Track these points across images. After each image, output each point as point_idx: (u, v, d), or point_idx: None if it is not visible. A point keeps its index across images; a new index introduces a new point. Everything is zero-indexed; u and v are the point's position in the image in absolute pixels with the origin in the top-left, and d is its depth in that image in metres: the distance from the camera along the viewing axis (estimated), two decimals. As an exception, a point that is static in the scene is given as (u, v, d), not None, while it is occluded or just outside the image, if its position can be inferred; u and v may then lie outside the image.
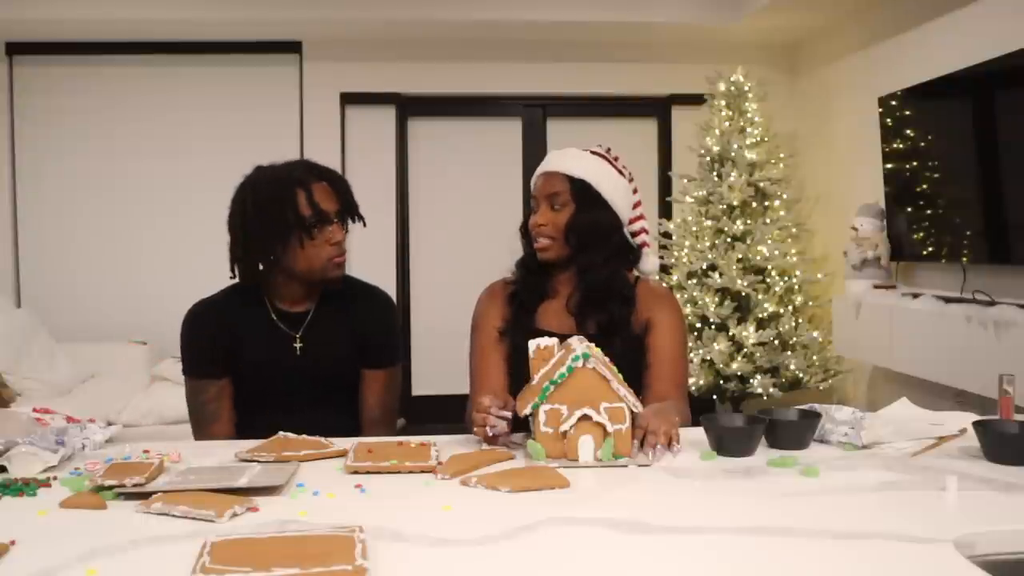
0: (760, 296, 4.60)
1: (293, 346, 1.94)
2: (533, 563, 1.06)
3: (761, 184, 4.72)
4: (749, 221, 4.68)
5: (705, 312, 4.60)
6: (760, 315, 4.60)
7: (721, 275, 4.58)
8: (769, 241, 4.63)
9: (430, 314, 5.46)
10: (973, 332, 3.28)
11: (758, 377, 4.54)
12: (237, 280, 1.95)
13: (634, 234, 1.94)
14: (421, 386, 5.45)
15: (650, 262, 1.97)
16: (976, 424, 1.56)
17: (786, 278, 4.69)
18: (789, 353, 4.57)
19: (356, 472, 1.45)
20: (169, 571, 1.02)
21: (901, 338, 3.80)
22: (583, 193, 1.86)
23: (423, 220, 5.55)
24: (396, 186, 5.40)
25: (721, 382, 4.60)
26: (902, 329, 3.78)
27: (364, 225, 1.97)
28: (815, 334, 4.64)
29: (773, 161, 4.81)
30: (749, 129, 4.76)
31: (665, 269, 4.98)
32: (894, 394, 2.79)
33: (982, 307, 3.28)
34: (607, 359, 1.57)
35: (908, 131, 4.02)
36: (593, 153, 1.92)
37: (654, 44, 5.34)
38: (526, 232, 1.94)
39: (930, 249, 3.90)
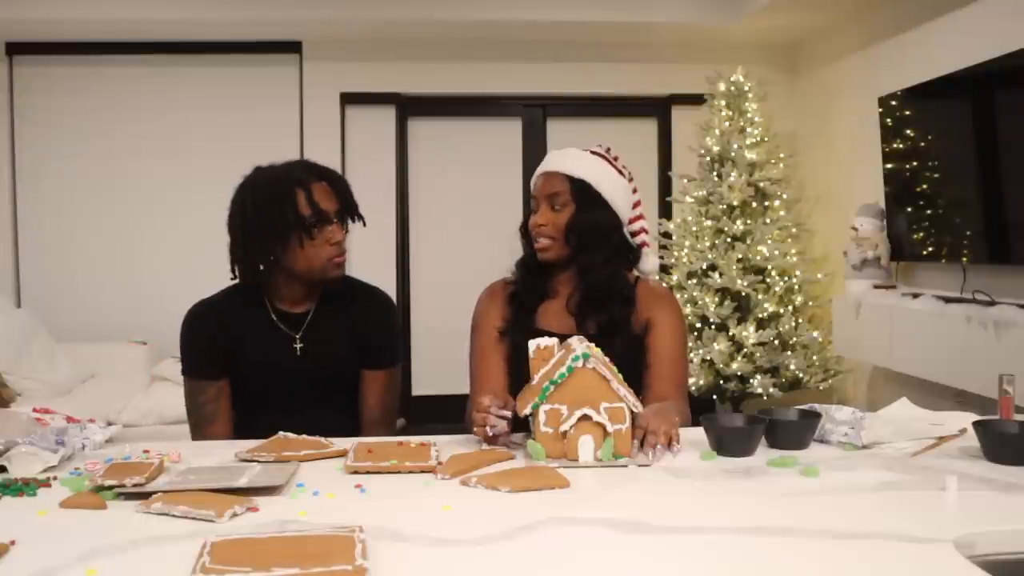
0: (760, 296, 4.60)
1: (293, 347, 1.94)
2: (533, 563, 1.06)
3: (761, 184, 4.72)
4: (749, 221, 4.68)
5: (705, 312, 4.60)
6: (760, 315, 4.60)
7: (721, 275, 4.59)
8: (769, 241, 4.63)
9: (430, 314, 5.46)
10: (973, 332, 3.28)
11: (758, 377, 4.54)
12: (237, 280, 1.95)
13: (634, 234, 1.94)
14: (421, 386, 5.45)
15: (650, 262, 1.97)
16: (976, 424, 1.56)
17: (786, 278, 4.69)
18: (789, 353, 4.57)
19: (356, 472, 1.45)
20: (169, 571, 1.02)
21: (901, 338, 3.80)
22: (583, 193, 1.86)
23: (423, 220, 5.55)
24: (396, 186, 5.40)
25: (721, 382, 4.60)
26: (902, 329, 3.78)
27: (364, 225, 1.97)
28: (815, 334, 4.64)
29: (773, 161, 4.81)
30: (749, 129, 4.76)
31: (665, 269, 4.98)
32: (894, 394, 2.79)
33: (982, 307, 3.28)
34: (607, 359, 1.57)
35: (908, 131, 4.02)
36: (593, 153, 1.92)
37: (654, 44, 5.34)
38: (526, 232, 1.94)
39: (930, 249, 3.90)
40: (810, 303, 4.81)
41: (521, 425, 1.64)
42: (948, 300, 3.54)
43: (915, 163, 3.98)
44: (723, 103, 4.82)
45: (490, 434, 1.58)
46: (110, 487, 1.32)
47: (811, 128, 5.30)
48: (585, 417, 1.49)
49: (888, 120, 4.14)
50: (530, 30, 5.13)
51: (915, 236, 3.99)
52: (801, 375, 4.57)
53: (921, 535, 1.12)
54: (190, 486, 1.31)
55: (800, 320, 4.70)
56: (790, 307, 4.68)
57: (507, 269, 1.99)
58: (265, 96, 5.34)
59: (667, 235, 4.98)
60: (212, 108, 5.32)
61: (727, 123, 4.78)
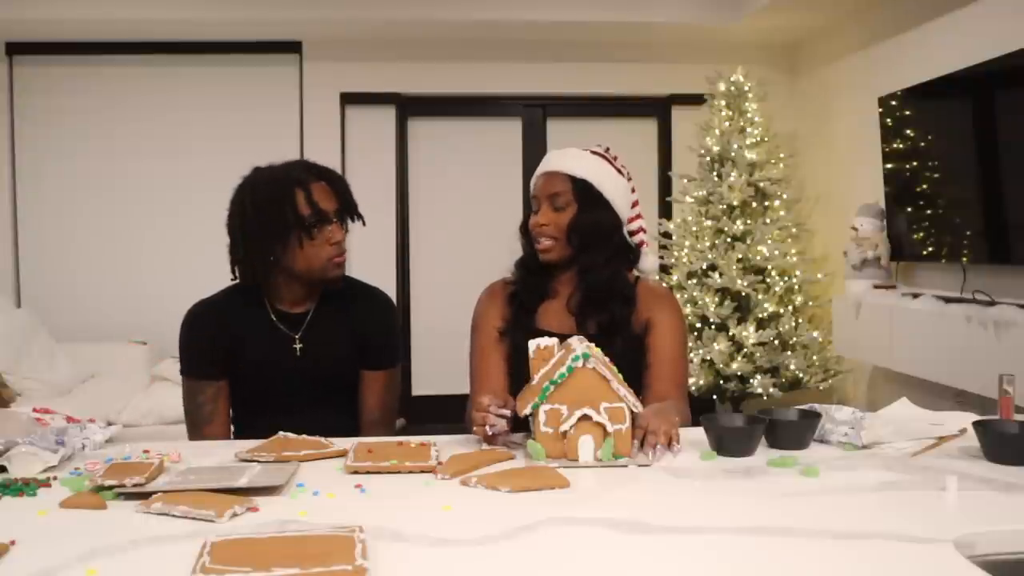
0: (760, 296, 4.60)
1: (293, 347, 1.94)
2: (533, 563, 1.06)
3: (761, 184, 4.72)
4: (749, 221, 4.68)
5: (705, 312, 4.60)
6: (760, 315, 4.60)
7: (721, 275, 4.59)
8: (769, 241, 4.63)
9: (430, 314, 5.46)
10: (973, 332, 3.28)
11: (758, 377, 4.54)
12: (237, 281, 1.95)
13: (632, 233, 1.94)
14: (421, 386, 5.45)
15: (649, 261, 1.97)
16: (976, 424, 1.56)
17: (786, 278, 4.69)
18: (789, 353, 4.57)
19: (356, 472, 1.45)
20: (169, 571, 1.02)
21: (901, 338, 3.80)
22: (585, 193, 1.86)
23: (423, 220, 5.55)
24: (396, 186, 5.40)
25: (721, 382, 4.60)
26: (902, 329, 3.78)
27: (364, 224, 1.97)
28: (815, 334, 4.64)
29: (773, 161, 4.81)
30: (749, 129, 4.76)
31: (665, 269, 4.98)
32: (894, 394, 2.79)
33: (982, 307, 3.28)
34: (607, 359, 1.57)
35: (908, 131, 4.02)
36: (593, 153, 1.92)
37: (654, 44, 5.34)
38: (526, 232, 1.94)
39: (930, 249, 3.90)
40: (810, 303, 4.81)
41: (521, 425, 1.64)
42: (948, 300, 3.54)
43: (915, 163, 3.98)
44: (723, 103, 4.82)
45: (489, 433, 1.58)
46: (110, 487, 1.32)
47: (811, 128, 5.30)
48: (585, 417, 1.49)
49: (888, 120, 4.14)
50: (530, 30, 5.13)
51: (915, 236, 3.99)
52: (801, 375, 4.57)
53: (921, 535, 1.12)
54: (190, 486, 1.31)
55: (800, 320, 4.70)
56: (790, 307, 4.68)
57: (507, 269, 1.98)
58: (265, 96, 5.34)
59: (667, 235, 4.98)
60: (212, 108, 5.32)
61: (727, 123, 4.78)
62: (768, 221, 4.70)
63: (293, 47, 5.30)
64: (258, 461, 1.52)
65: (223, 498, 1.26)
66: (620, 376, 1.56)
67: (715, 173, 4.76)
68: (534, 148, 5.42)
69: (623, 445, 1.50)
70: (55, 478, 1.42)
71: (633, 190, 1.94)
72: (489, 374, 1.88)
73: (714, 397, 4.69)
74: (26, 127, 5.23)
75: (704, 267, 4.68)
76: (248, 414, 1.97)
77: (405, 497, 1.33)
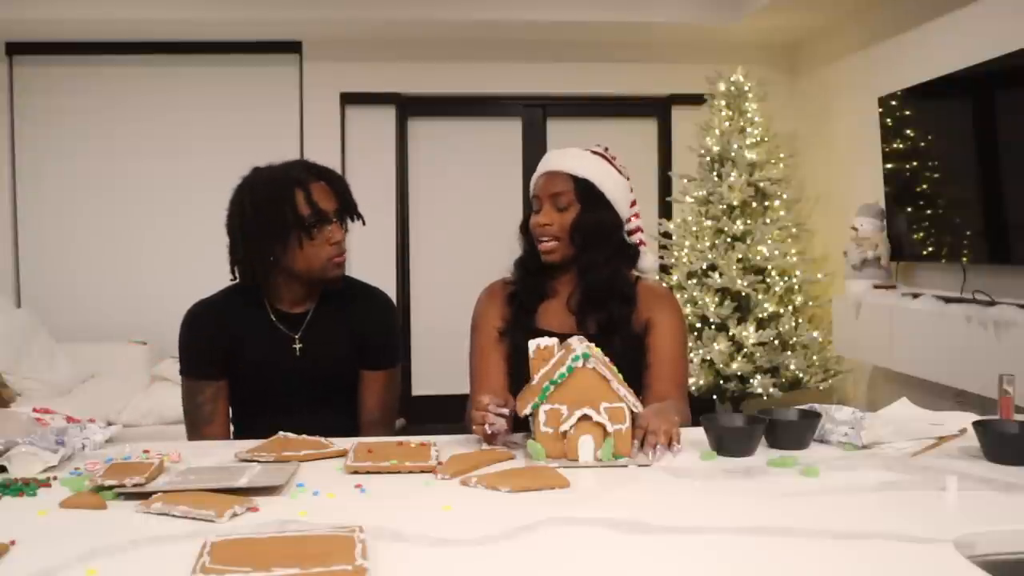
0: (760, 296, 4.60)
1: (292, 347, 1.94)
2: (533, 563, 1.06)
3: (761, 184, 4.72)
4: (749, 221, 4.68)
5: (705, 312, 4.60)
6: (760, 315, 4.60)
7: (721, 275, 4.59)
8: (769, 241, 4.63)
9: (430, 314, 5.46)
10: (973, 332, 3.28)
11: (758, 377, 4.54)
12: (237, 281, 1.95)
13: (630, 232, 1.95)
14: (421, 386, 5.45)
15: (648, 260, 1.97)
16: (976, 424, 1.56)
17: (786, 278, 4.69)
18: (789, 353, 4.57)
19: (356, 472, 1.45)
20: (169, 571, 1.02)
21: (901, 338, 3.80)
22: (587, 193, 1.86)
23: (423, 220, 5.55)
24: (396, 186, 5.40)
25: (721, 382, 4.60)
26: (902, 329, 3.78)
27: (363, 224, 1.97)
28: (815, 334, 4.64)
29: (773, 161, 4.81)
30: (749, 129, 4.76)
31: (665, 269, 4.98)
32: (894, 394, 2.79)
33: (982, 307, 3.28)
34: (607, 359, 1.57)
35: (908, 131, 4.02)
36: (593, 153, 1.92)
37: (654, 44, 5.34)
38: (526, 231, 1.94)
39: (930, 249, 3.90)
40: (810, 303, 4.81)
41: (521, 425, 1.64)
42: (948, 300, 3.54)
43: (915, 163, 3.98)
44: (723, 103, 4.82)
45: (488, 432, 1.58)
46: (110, 487, 1.32)
47: (811, 128, 5.30)
48: (585, 417, 1.49)
49: (888, 120, 4.14)
50: (530, 30, 5.13)
51: (915, 236, 3.99)
52: (801, 375, 4.57)
53: (921, 535, 1.12)
54: (190, 486, 1.31)
55: (800, 320, 4.70)
56: (790, 307, 4.68)
57: (507, 269, 1.98)
58: (265, 96, 5.34)
59: (667, 235, 4.97)
60: (212, 108, 5.32)
61: (727, 123, 4.78)
62: (768, 221, 4.70)
63: (293, 47, 5.30)
64: (258, 461, 1.52)
65: (223, 498, 1.26)
66: (620, 376, 1.56)
67: (715, 173, 4.76)
68: (534, 148, 5.42)
69: (623, 445, 1.50)
70: (55, 478, 1.42)
71: (631, 190, 1.94)
72: (489, 374, 1.88)
73: (714, 397, 4.69)
74: (26, 127, 5.23)
75: (704, 267, 4.68)
76: (248, 414, 1.97)
77: (405, 497, 1.33)
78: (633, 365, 1.81)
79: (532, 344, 1.65)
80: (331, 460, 1.55)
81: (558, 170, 1.88)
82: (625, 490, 1.37)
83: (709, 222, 4.72)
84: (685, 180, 4.93)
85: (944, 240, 3.79)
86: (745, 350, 4.54)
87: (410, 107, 5.47)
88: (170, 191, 5.27)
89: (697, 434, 1.61)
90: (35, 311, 4.95)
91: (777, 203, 4.77)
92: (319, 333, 1.95)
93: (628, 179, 1.94)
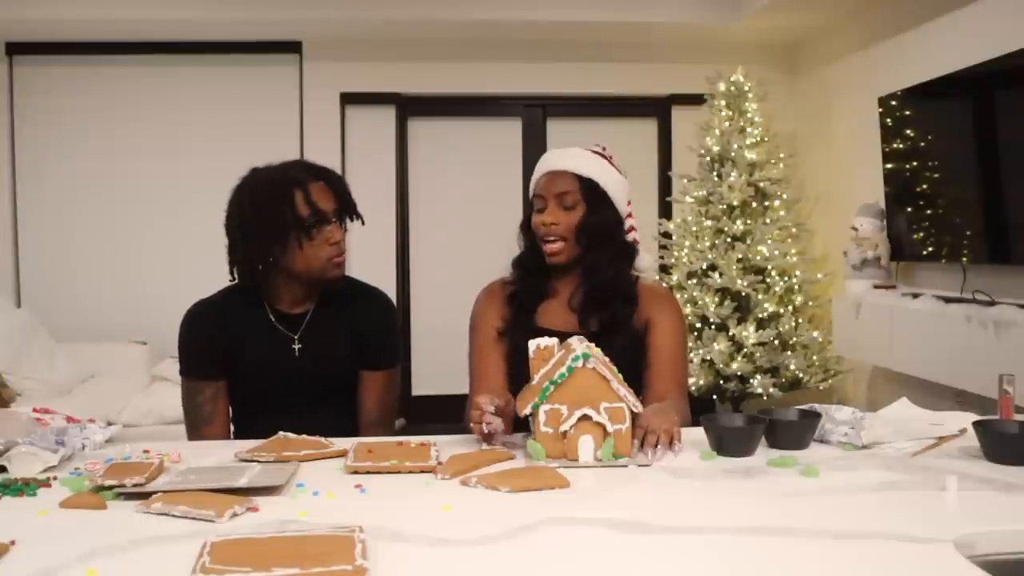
0: (760, 296, 4.60)
1: (292, 347, 1.93)
2: (533, 563, 1.06)
3: (761, 184, 4.72)
4: (749, 221, 4.68)
5: (705, 312, 4.60)
6: (760, 315, 4.60)
7: (721, 275, 4.59)
8: (769, 241, 4.63)
9: (430, 314, 5.46)
10: (973, 332, 3.28)
11: (758, 377, 4.54)
12: (236, 281, 1.95)
13: (627, 231, 1.95)
14: (421, 386, 5.45)
15: (646, 259, 1.98)
16: (976, 424, 1.56)
17: (786, 278, 4.69)
18: (789, 353, 4.57)
19: (356, 472, 1.45)
20: (169, 571, 1.02)
21: (901, 338, 3.80)
22: (592, 193, 1.86)
23: (423, 220, 5.55)
24: (396, 186, 5.40)
25: (721, 382, 4.60)
26: (902, 329, 3.78)
27: (363, 223, 1.97)
28: (815, 334, 4.64)
29: (773, 161, 4.81)
30: (749, 129, 4.76)
31: (665, 269, 4.98)
32: (894, 394, 2.79)
33: (982, 307, 3.28)
34: (607, 359, 1.57)
35: (908, 131, 4.02)
36: (593, 152, 1.92)
37: (654, 44, 5.34)
38: (527, 230, 1.94)
39: (930, 249, 3.90)
40: (810, 303, 4.81)
41: (521, 425, 1.64)
42: (948, 300, 3.54)
43: (915, 163, 3.98)
44: (723, 103, 4.82)
45: (485, 431, 1.58)
46: (110, 487, 1.32)
47: (811, 128, 5.30)
48: (585, 417, 1.49)
49: (888, 120, 4.14)
50: (530, 30, 5.13)
51: (915, 236, 3.99)
52: (801, 375, 4.57)
53: (921, 535, 1.12)
54: (190, 486, 1.31)
55: (800, 320, 4.70)
56: (790, 307, 4.68)
57: (507, 269, 1.98)
58: (265, 96, 5.34)
59: (667, 235, 4.97)
60: (212, 108, 5.32)
61: (727, 123, 4.78)
62: (768, 221, 4.70)
63: (293, 47, 5.30)
64: (258, 461, 1.52)
65: (223, 498, 1.26)
66: (620, 376, 1.56)
67: (715, 173, 4.76)
68: (534, 148, 5.41)
69: (623, 445, 1.50)
70: (55, 478, 1.42)
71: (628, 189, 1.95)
72: (488, 374, 1.88)
73: (714, 397, 4.69)
74: (26, 127, 5.23)
75: (704, 267, 4.68)
76: (247, 415, 1.97)
77: (405, 497, 1.33)
78: (633, 364, 1.81)
79: (532, 344, 1.65)
80: (331, 460, 1.55)
81: (563, 169, 1.88)
82: (625, 490, 1.37)
83: (709, 222, 4.72)
84: (685, 180, 4.93)
85: (944, 240, 3.79)
86: (745, 350, 4.54)
87: (410, 107, 5.47)
88: (170, 191, 5.27)
89: (697, 434, 1.61)
90: (35, 311, 4.95)
91: (777, 203, 4.77)
92: (318, 333, 1.95)
93: (626, 178, 1.94)
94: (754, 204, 4.72)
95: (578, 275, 1.90)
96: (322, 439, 1.63)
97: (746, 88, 4.80)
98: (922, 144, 3.95)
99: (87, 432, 1.64)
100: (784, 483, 1.38)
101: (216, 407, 1.93)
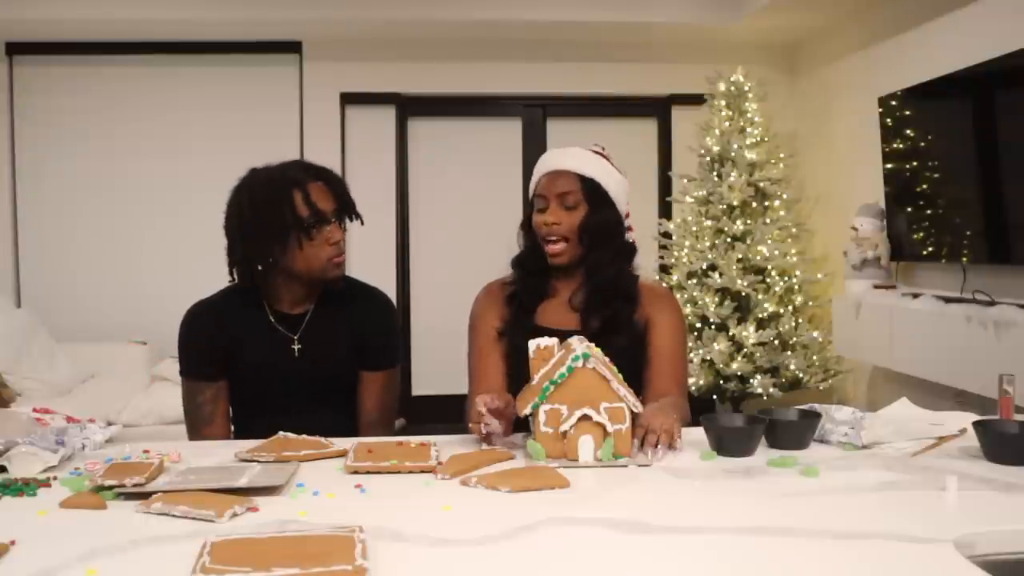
0: (760, 296, 4.60)
1: (291, 348, 1.93)
2: (533, 563, 1.06)
3: (761, 184, 4.72)
4: (749, 221, 4.68)
5: (705, 312, 4.60)
6: (760, 315, 4.60)
7: (721, 275, 4.58)
8: (769, 241, 4.63)
9: (430, 314, 5.46)
10: (973, 332, 3.28)
11: (758, 377, 4.54)
12: (236, 282, 1.95)
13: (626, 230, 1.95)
14: (421, 386, 5.45)
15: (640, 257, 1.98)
16: (976, 424, 1.56)
17: (786, 278, 4.69)
18: (789, 353, 4.57)
19: (356, 472, 1.45)
20: (169, 571, 1.02)
21: (901, 338, 3.80)
22: (594, 193, 1.86)
23: (423, 220, 5.55)
24: (396, 186, 5.40)
25: (721, 382, 4.60)
26: (902, 329, 3.78)
27: (362, 223, 1.97)
28: (815, 334, 4.64)
29: (773, 161, 4.81)
30: (749, 129, 4.76)
31: (665, 269, 4.98)
32: (894, 394, 2.79)
33: (982, 307, 3.28)
34: (607, 359, 1.57)
35: (908, 131, 4.02)
36: (593, 152, 1.92)
37: (654, 44, 5.34)
38: (528, 229, 1.93)
39: (930, 249, 3.90)
40: (810, 303, 4.81)
41: (521, 425, 1.64)
42: (948, 300, 3.54)
43: (915, 163, 3.98)
44: (723, 103, 4.82)
45: (484, 432, 1.59)
46: (110, 487, 1.32)
47: (811, 128, 5.30)
48: (585, 417, 1.49)
49: (888, 120, 4.14)
50: (530, 30, 5.13)
51: (915, 236, 3.99)
52: (801, 375, 4.57)
53: (921, 535, 1.12)
54: (190, 486, 1.31)
55: (800, 320, 4.70)
56: (790, 307, 4.68)
57: (507, 269, 1.98)
58: (265, 96, 5.34)
59: (667, 235, 4.97)
60: (212, 108, 5.32)
61: (727, 123, 4.78)
62: (768, 221, 4.70)
63: (293, 47, 5.30)
64: (258, 461, 1.52)
65: (223, 498, 1.26)
66: (620, 376, 1.56)
67: (715, 173, 4.76)
68: (534, 148, 5.41)
69: (623, 445, 1.50)
70: (55, 478, 1.42)
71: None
72: (488, 374, 1.88)
73: (714, 397, 4.69)
74: (26, 127, 5.23)
75: (704, 267, 4.68)
76: (247, 415, 1.97)
77: (405, 497, 1.33)
78: (633, 363, 1.81)
79: (532, 344, 1.65)
80: (331, 460, 1.55)
81: (564, 169, 1.87)
82: (625, 490, 1.37)
83: (709, 222, 4.72)
84: (685, 180, 4.93)
85: (944, 240, 3.79)
86: (745, 350, 4.54)
87: (410, 107, 5.47)
88: (170, 191, 5.27)
89: (697, 434, 1.61)
90: (35, 311, 4.95)
91: (777, 203, 4.77)
92: (318, 334, 1.95)
93: (625, 178, 1.95)
94: (754, 204, 4.72)
95: (579, 275, 1.90)
96: (322, 439, 1.63)
97: (746, 88, 4.80)
98: (922, 144, 3.95)
99: (87, 432, 1.64)
100: (784, 483, 1.38)
101: (216, 407, 1.93)
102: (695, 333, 4.65)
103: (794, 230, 4.81)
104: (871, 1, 4.49)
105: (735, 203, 4.66)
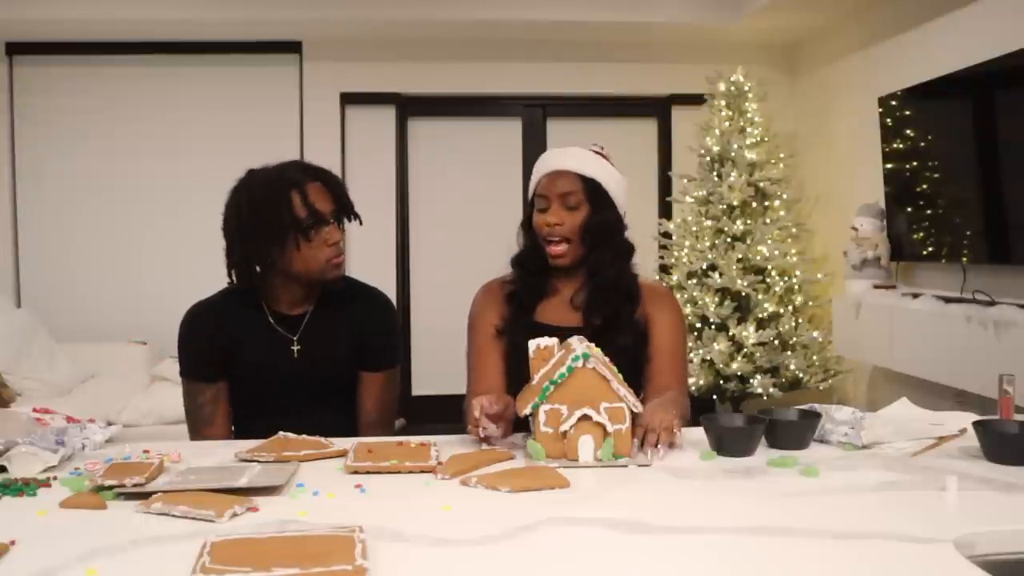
0: (760, 296, 4.60)
1: (291, 348, 1.93)
2: (533, 563, 1.06)
3: (761, 184, 4.72)
4: (749, 221, 4.68)
5: (705, 312, 4.60)
6: (760, 315, 4.60)
7: (721, 275, 4.59)
8: (769, 241, 4.63)
9: (430, 314, 5.46)
10: (973, 332, 3.28)
11: (758, 377, 4.54)
12: (234, 283, 1.95)
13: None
14: (421, 386, 5.45)
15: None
16: (976, 424, 1.56)
17: (786, 278, 4.69)
18: (789, 353, 4.57)
19: (356, 472, 1.45)
20: (169, 571, 1.02)
21: (901, 338, 3.80)
22: (595, 193, 1.86)
23: (423, 220, 5.55)
24: (396, 186, 5.40)
25: (721, 382, 4.60)
26: (902, 329, 3.78)
27: (360, 223, 1.97)
28: (815, 334, 4.64)
29: (773, 161, 4.81)
30: (749, 129, 4.76)
31: (665, 269, 4.98)
32: (894, 394, 2.79)
33: (982, 307, 3.28)
34: (607, 359, 1.57)
35: (908, 131, 4.02)
36: (593, 152, 1.92)
37: (654, 44, 5.34)
38: (528, 230, 1.93)
39: (930, 249, 3.90)
40: (810, 303, 4.81)
41: (521, 425, 1.64)
42: (948, 300, 3.54)
43: (915, 163, 3.98)
44: (723, 103, 4.82)
45: (481, 435, 1.59)
46: (110, 487, 1.32)
47: (811, 128, 5.30)
48: (585, 417, 1.49)
49: (888, 120, 4.14)
50: (530, 30, 5.13)
51: (915, 236, 3.99)
52: (801, 375, 4.57)
53: (921, 535, 1.12)
54: (190, 486, 1.31)
55: (800, 320, 4.70)
56: (790, 307, 4.68)
57: (507, 269, 1.98)
58: (265, 96, 5.34)
59: (667, 235, 4.97)
60: (212, 108, 5.32)
61: (727, 123, 4.78)
62: (768, 221, 4.70)
63: (293, 47, 5.30)
64: (258, 461, 1.52)
65: (223, 498, 1.26)
66: (620, 376, 1.56)
67: (715, 173, 4.76)
68: (534, 148, 5.41)
69: (623, 445, 1.50)
70: (55, 478, 1.42)
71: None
72: (486, 372, 1.88)
73: (714, 397, 4.69)
74: (26, 127, 5.23)
75: (704, 267, 4.68)
76: (246, 416, 1.97)
77: (405, 497, 1.33)
78: (634, 362, 1.81)
79: (532, 344, 1.65)
80: (331, 460, 1.55)
81: (565, 169, 1.87)
82: (625, 490, 1.37)
83: (709, 222, 4.72)
84: (685, 180, 4.93)
85: (944, 240, 3.79)
86: (745, 350, 4.54)
87: (410, 107, 5.47)
88: (170, 191, 5.27)
89: (697, 434, 1.61)
90: (35, 311, 4.95)
91: (777, 203, 4.77)
92: (317, 334, 1.94)
93: (624, 177, 1.95)
94: (754, 204, 4.72)
95: (580, 274, 1.90)
96: (322, 439, 1.63)
97: (746, 88, 4.80)
98: (922, 144, 3.95)
99: (87, 432, 1.64)
100: (784, 483, 1.38)
101: (217, 408, 1.92)
102: (695, 333, 4.65)
103: (794, 230, 4.81)
104: (871, 1, 4.49)
105: (735, 203, 4.66)
